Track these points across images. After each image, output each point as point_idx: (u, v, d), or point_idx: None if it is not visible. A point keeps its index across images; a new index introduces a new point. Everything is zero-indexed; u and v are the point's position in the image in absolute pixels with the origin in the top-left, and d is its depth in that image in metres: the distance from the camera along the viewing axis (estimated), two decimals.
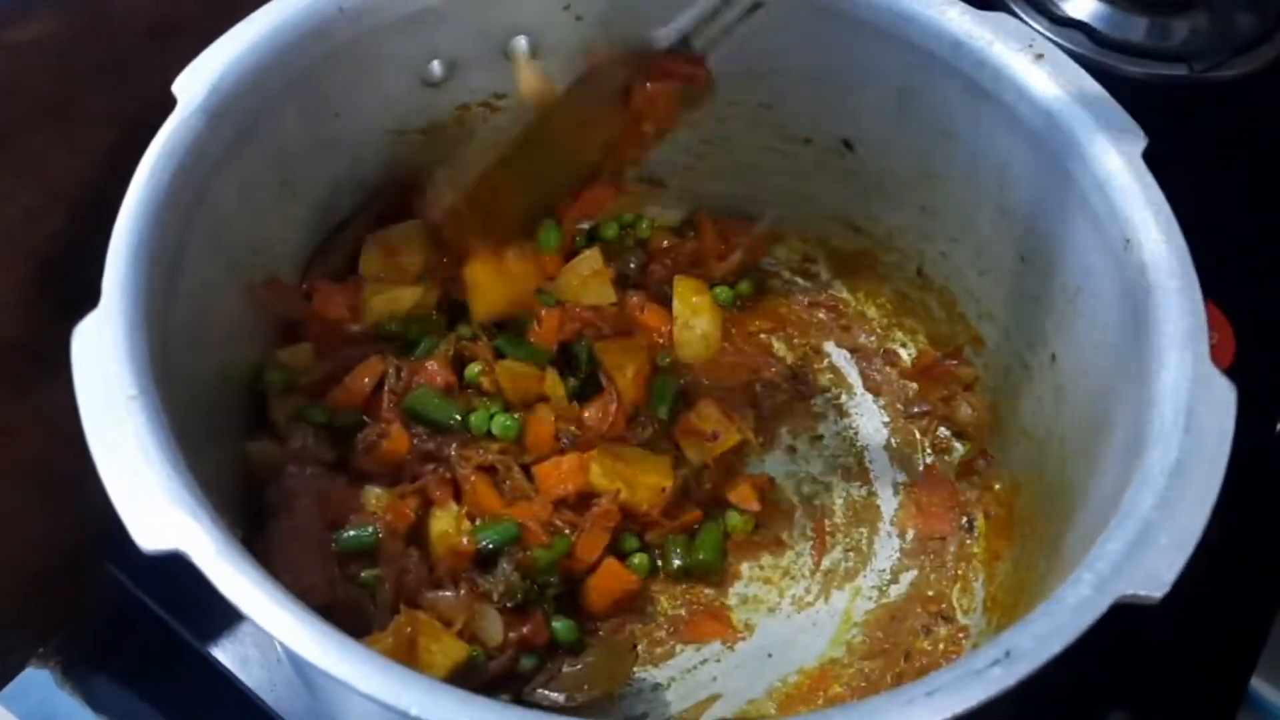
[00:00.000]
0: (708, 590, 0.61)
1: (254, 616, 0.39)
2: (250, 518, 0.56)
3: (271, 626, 0.38)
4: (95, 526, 0.63)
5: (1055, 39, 0.75)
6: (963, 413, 0.65)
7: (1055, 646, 0.38)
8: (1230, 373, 0.46)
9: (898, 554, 0.63)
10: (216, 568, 0.39)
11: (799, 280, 0.73)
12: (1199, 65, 0.78)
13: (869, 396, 0.69)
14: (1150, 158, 0.52)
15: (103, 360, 0.43)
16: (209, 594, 0.40)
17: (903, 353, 0.70)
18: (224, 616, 0.64)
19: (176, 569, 0.40)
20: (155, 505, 0.40)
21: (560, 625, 0.57)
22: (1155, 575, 0.40)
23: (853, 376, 0.70)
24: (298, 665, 0.57)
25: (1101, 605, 0.39)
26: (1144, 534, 0.41)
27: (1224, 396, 0.45)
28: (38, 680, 0.66)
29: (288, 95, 0.55)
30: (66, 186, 0.57)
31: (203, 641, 0.63)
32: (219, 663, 0.62)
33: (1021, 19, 0.73)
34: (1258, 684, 0.60)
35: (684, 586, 0.61)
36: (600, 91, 0.57)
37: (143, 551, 0.40)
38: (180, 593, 0.62)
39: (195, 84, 0.51)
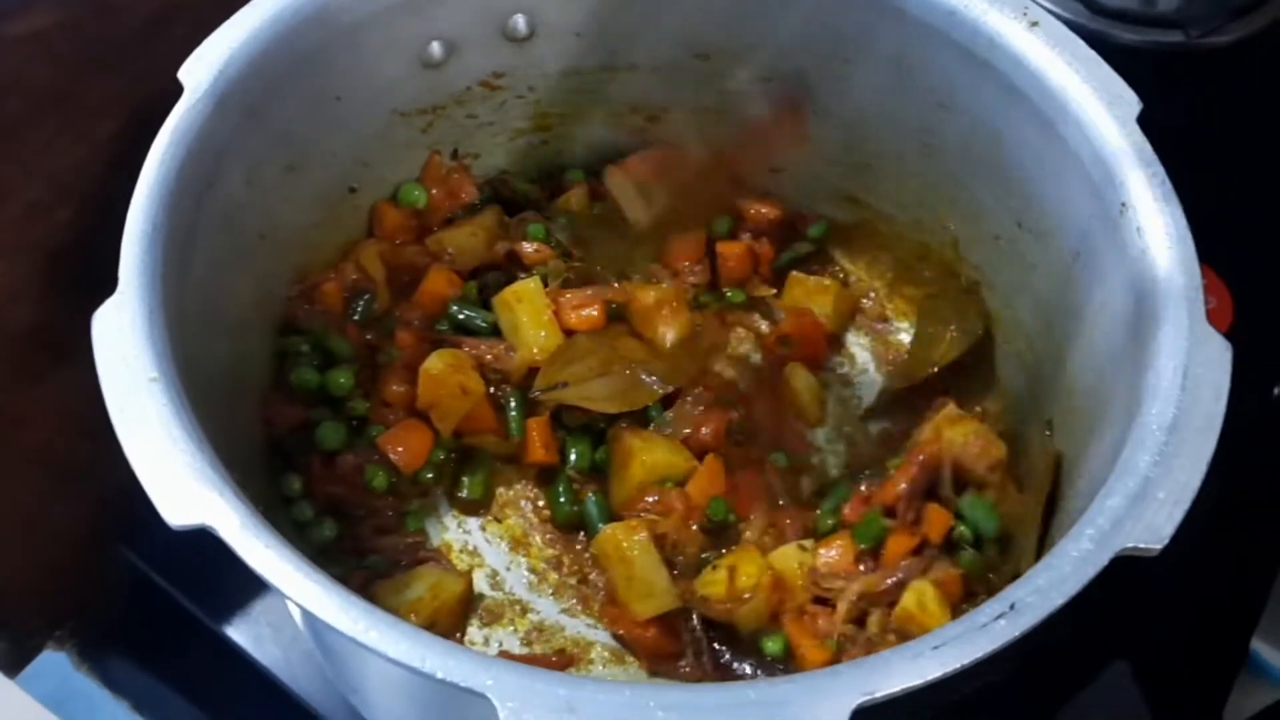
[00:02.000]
0: None
1: (280, 586, 0.40)
2: (269, 491, 0.57)
3: (298, 595, 0.39)
4: (108, 510, 0.65)
5: (1050, 7, 0.75)
6: None
7: (1057, 599, 0.39)
8: (1229, 337, 0.47)
9: None
10: (242, 540, 0.40)
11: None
12: (1195, 31, 0.78)
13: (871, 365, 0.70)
14: (1147, 124, 0.52)
15: (122, 344, 0.44)
16: (222, 574, 0.42)
17: (904, 323, 0.71)
18: (237, 595, 0.65)
19: (189, 550, 0.41)
20: (181, 483, 0.41)
21: None
22: (1154, 529, 0.41)
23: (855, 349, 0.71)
24: (319, 634, 0.58)
25: (1102, 559, 0.40)
26: (1143, 489, 0.42)
27: (1220, 355, 0.46)
28: (55, 663, 0.68)
29: (291, 79, 0.56)
30: (73, 178, 0.57)
31: (217, 621, 0.64)
32: (234, 641, 0.63)
33: None
34: (1258, 645, 0.61)
35: None
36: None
37: (170, 528, 0.41)
38: (194, 573, 0.63)
39: (201, 70, 0.52)
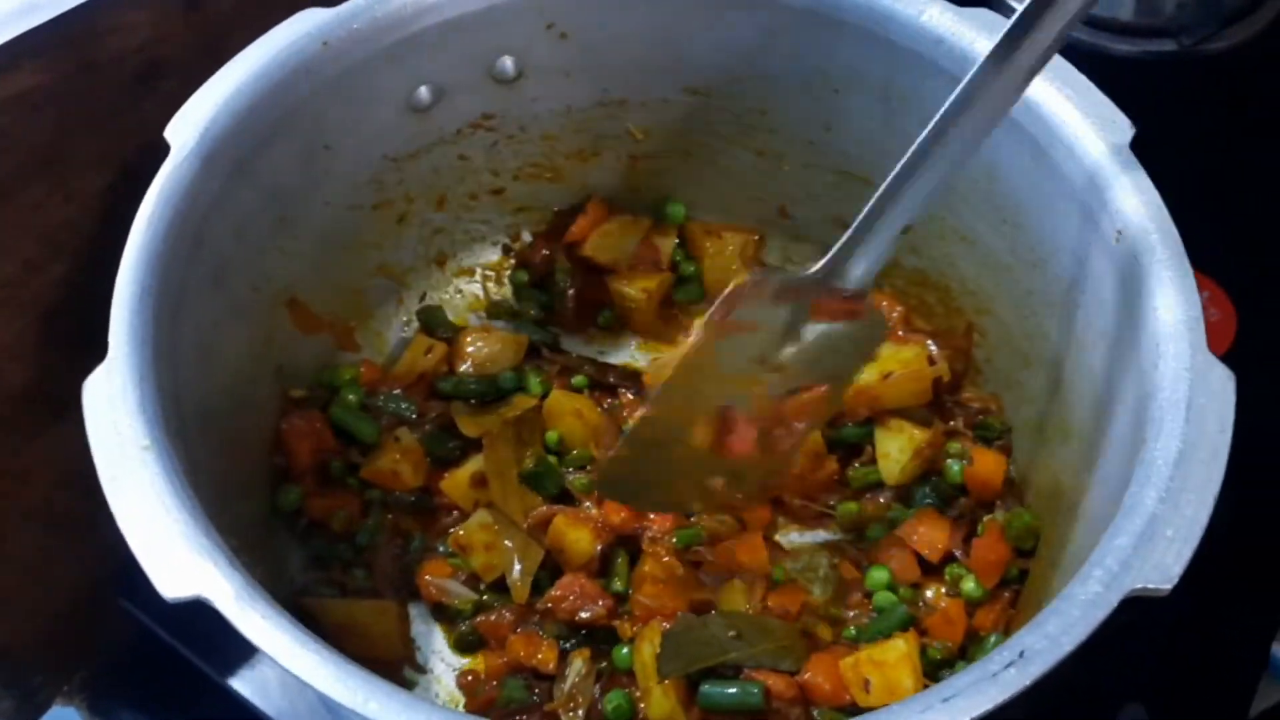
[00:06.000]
0: None
1: (276, 657, 0.39)
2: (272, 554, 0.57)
3: (294, 666, 0.39)
4: (111, 564, 0.65)
5: None
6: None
7: (1068, 645, 0.39)
8: (1231, 349, 0.46)
9: None
10: (237, 611, 0.40)
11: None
12: (1188, 39, 0.78)
13: None
14: (1143, 137, 0.52)
15: (113, 412, 0.44)
16: (225, 627, 0.41)
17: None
18: (241, 648, 0.64)
19: (190, 605, 0.40)
20: (174, 554, 0.41)
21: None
22: (1163, 568, 0.41)
23: None
24: (326, 698, 0.58)
25: (1111, 601, 0.40)
26: (1150, 527, 0.42)
27: (1223, 385, 0.45)
28: (65, 718, 0.67)
29: (278, 133, 0.56)
30: (64, 235, 0.57)
31: (221, 674, 0.64)
32: (239, 694, 0.63)
33: (1006, 3, 0.73)
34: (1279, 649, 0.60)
35: None
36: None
37: (165, 600, 0.40)
38: (195, 627, 0.63)
39: (186, 129, 0.52)
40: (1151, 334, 0.48)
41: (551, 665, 0.58)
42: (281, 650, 0.39)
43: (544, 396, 0.66)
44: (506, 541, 0.61)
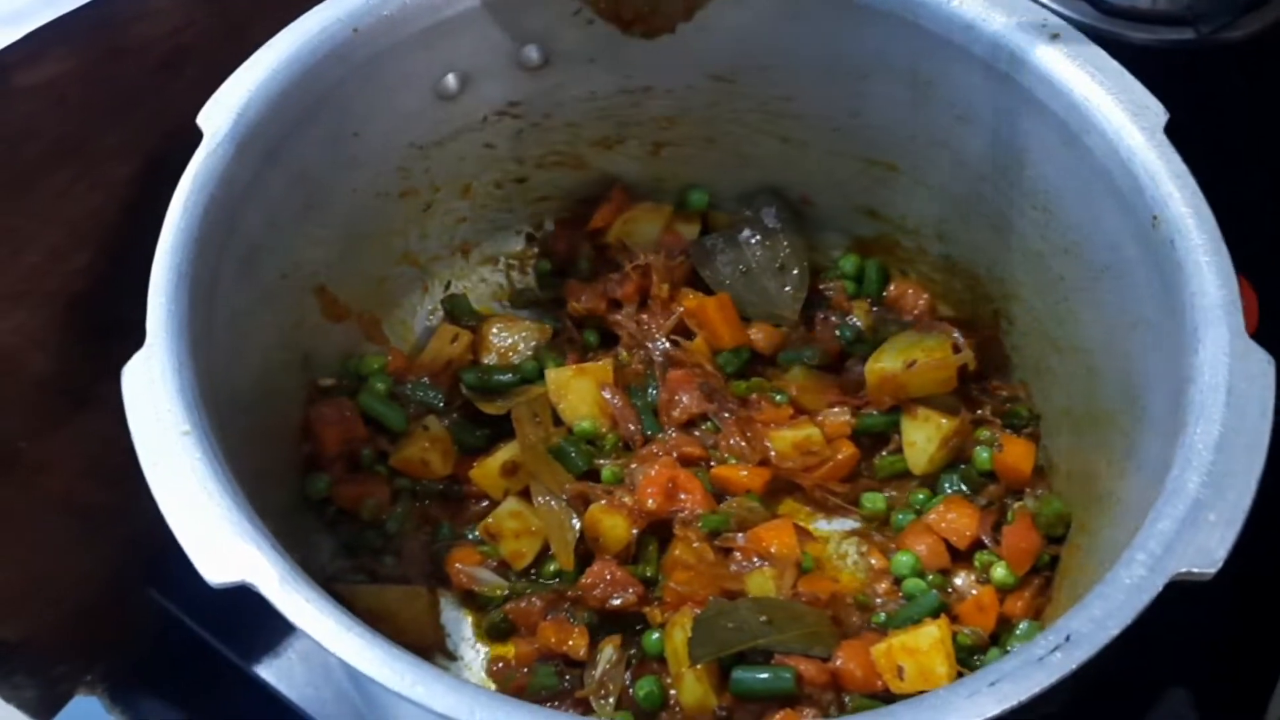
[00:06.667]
0: None
1: (322, 641, 0.39)
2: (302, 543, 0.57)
3: (340, 650, 0.39)
4: (134, 553, 0.65)
5: (1057, 7, 0.74)
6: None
7: (1113, 629, 0.39)
8: (1255, 339, 0.46)
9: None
10: (283, 596, 0.40)
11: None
12: (1205, 27, 0.77)
13: None
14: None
15: (153, 398, 0.43)
16: (250, 613, 0.41)
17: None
18: (266, 634, 0.64)
19: (216, 591, 0.40)
20: (219, 539, 0.41)
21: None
22: (1207, 552, 0.41)
23: None
24: (359, 681, 0.58)
25: (1156, 585, 0.40)
26: (1193, 512, 0.42)
27: (1262, 369, 0.45)
28: (87, 708, 0.68)
29: (308, 119, 0.55)
30: (89, 224, 0.57)
31: (246, 660, 0.64)
32: (264, 680, 0.63)
33: None
34: None
35: None
36: None
37: (210, 586, 0.40)
38: (222, 613, 0.63)
39: (220, 115, 0.51)
40: (1189, 319, 0.47)
41: (583, 652, 0.58)
42: (328, 634, 0.39)
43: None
44: (548, 512, 0.60)
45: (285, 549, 0.43)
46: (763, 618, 0.56)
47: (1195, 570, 0.40)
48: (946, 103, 0.61)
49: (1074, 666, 0.38)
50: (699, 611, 0.56)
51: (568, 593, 0.59)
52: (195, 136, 0.52)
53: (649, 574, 0.60)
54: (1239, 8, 0.77)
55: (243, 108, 0.52)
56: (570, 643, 0.58)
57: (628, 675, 0.58)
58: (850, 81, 0.63)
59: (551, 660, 0.59)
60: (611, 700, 0.57)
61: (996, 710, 0.37)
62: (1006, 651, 0.57)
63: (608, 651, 0.58)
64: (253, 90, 0.52)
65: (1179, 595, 0.41)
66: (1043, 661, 0.38)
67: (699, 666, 0.54)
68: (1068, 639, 0.38)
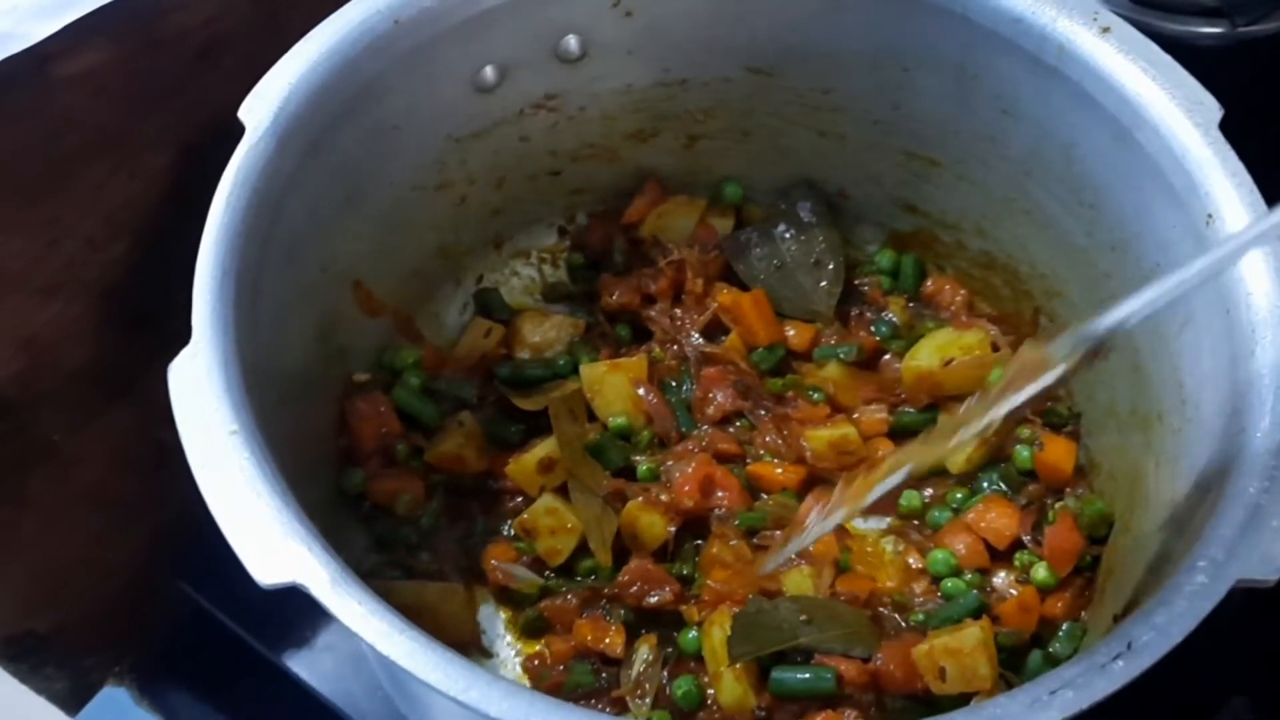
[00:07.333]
0: None
1: (374, 643, 0.39)
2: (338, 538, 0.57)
3: (393, 653, 0.39)
4: (163, 544, 0.65)
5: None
6: None
7: (1176, 636, 0.38)
8: None
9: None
10: (334, 598, 0.39)
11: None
12: (1240, 20, 0.76)
13: None
14: None
15: (200, 396, 0.43)
16: (280, 605, 0.40)
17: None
18: (297, 626, 0.64)
19: (246, 583, 0.40)
20: (269, 540, 0.40)
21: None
22: (1270, 558, 0.40)
23: None
24: (397, 678, 0.58)
25: (1219, 592, 0.39)
26: (1254, 517, 0.41)
27: None
28: (115, 699, 0.68)
29: (348, 111, 0.55)
30: (126, 214, 0.57)
31: (276, 652, 0.64)
32: (294, 673, 0.63)
33: None
34: None
35: None
36: None
37: (260, 586, 0.40)
38: (251, 605, 0.63)
39: (261, 108, 0.51)
40: (1245, 321, 0.47)
41: (619, 650, 0.58)
42: (379, 637, 0.39)
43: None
44: (586, 508, 0.60)
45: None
46: (803, 617, 0.55)
47: (1258, 577, 0.40)
48: (992, 96, 0.60)
49: (1136, 674, 0.38)
50: (738, 610, 0.56)
51: (604, 590, 0.59)
52: (233, 126, 0.52)
53: (685, 572, 0.60)
54: (1275, 1, 0.76)
55: (284, 101, 0.51)
56: (607, 640, 0.58)
57: (664, 674, 0.57)
58: (893, 74, 0.62)
59: (588, 658, 0.58)
60: (648, 700, 0.56)
61: (1058, 719, 0.37)
62: (1048, 653, 0.56)
63: (644, 650, 0.58)
64: (294, 83, 0.51)
65: (1241, 602, 0.40)
66: (1105, 669, 0.37)
67: (738, 666, 0.54)
68: (1130, 646, 0.38)
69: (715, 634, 0.56)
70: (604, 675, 0.58)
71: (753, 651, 0.54)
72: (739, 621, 0.55)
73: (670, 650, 0.58)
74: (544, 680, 0.58)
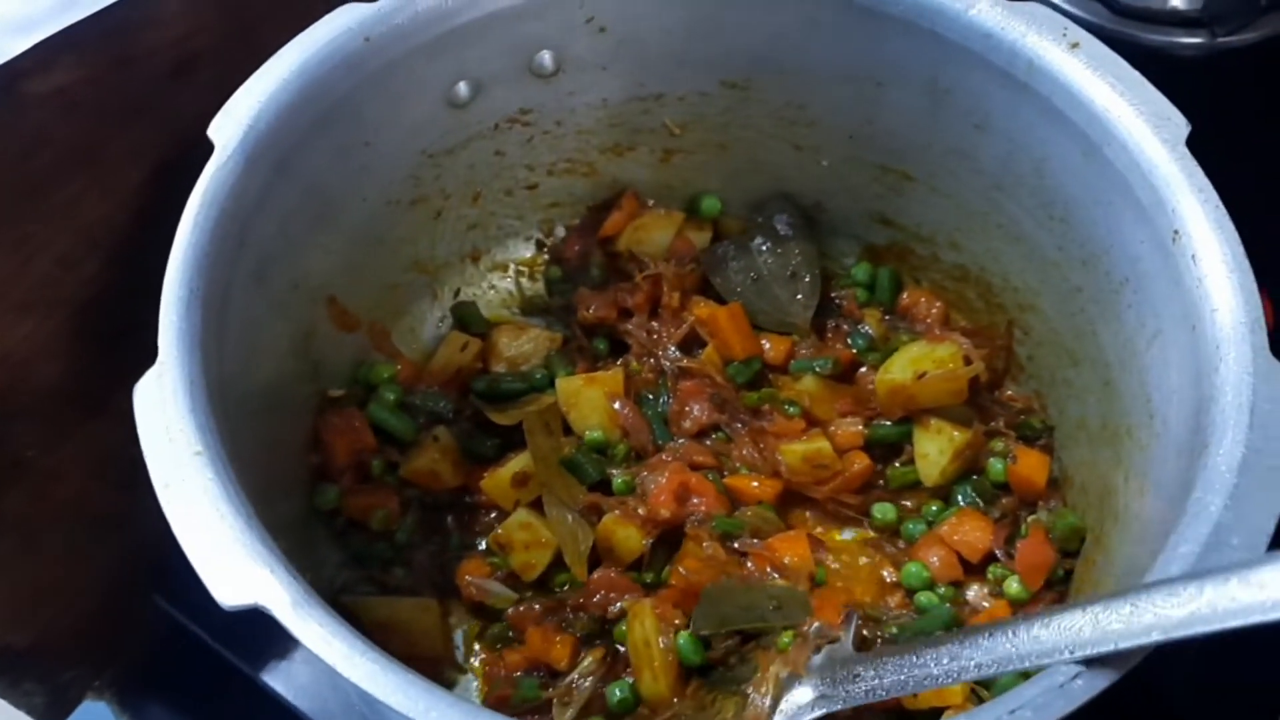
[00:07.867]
0: None
1: (336, 666, 0.39)
2: (311, 554, 0.57)
3: (354, 675, 0.39)
4: (142, 559, 0.65)
5: (1069, 8, 0.74)
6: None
7: (1136, 656, 0.38)
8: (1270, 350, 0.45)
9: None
10: (296, 620, 0.39)
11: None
12: (1221, 30, 0.77)
13: None
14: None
15: (165, 418, 0.43)
16: (257, 621, 0.40)
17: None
18: (273, 642, 0.64)
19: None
20: (231, 562, 0.40)
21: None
22: None
23: None
24: (368, 699, 0.58)
25: None
26: (1215, 535, 0.41)
27: None
28: (95, 713, 0.68)
29: (319, 129, 0.55)
30: (100, 231, 0.57)
31: (254, 667, 0.64)
32: (271, 688, 0.63)
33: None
34: None
35: None
36: None
37: (223, 608, 0.40)
38: (229, 622, 0.62)
39: (230, 126, 0.51)
40: (1210, 337, 0.47)
41: (564, 663, 0.57)
42: (341, 659, 0.39)
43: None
44: (561, 523, 0.60)
45: (295, 561, 0.42)
46: (773, 604, 0.55)
47: None
48: (964, 111, 0.60)
49: (1095, 692, 0.38)
50: (709, 585, 0.55)
51: (568, 602, 0.59)
52: (206, 142, 0.52)
53: (650, 580, 0.60)
54: (1255, 10, 0.76)
55: (253, 119, 0.51)
56: (553, 653, 0.58)
57: (593, 681, 0.56)
58: (867, 89, 0.63)
59: (537, 670, 0.58)
60: (572, 709, 0.56)
61: None
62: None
63: (587, 661, 0.57)
64: (263, 101, 0.52)
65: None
66: (1064, 688, 0.38)
67: (658, 665, 0.54)
68: (1087, 665, 0.38)
69: (637, 628, 0.55)
70: (550, 689, 0.58)
71: (715, 626, 0.53)
72: (708, 595, 0.54)
73: (615, 659, 0.58)
74: (494, 692, 0.58)
